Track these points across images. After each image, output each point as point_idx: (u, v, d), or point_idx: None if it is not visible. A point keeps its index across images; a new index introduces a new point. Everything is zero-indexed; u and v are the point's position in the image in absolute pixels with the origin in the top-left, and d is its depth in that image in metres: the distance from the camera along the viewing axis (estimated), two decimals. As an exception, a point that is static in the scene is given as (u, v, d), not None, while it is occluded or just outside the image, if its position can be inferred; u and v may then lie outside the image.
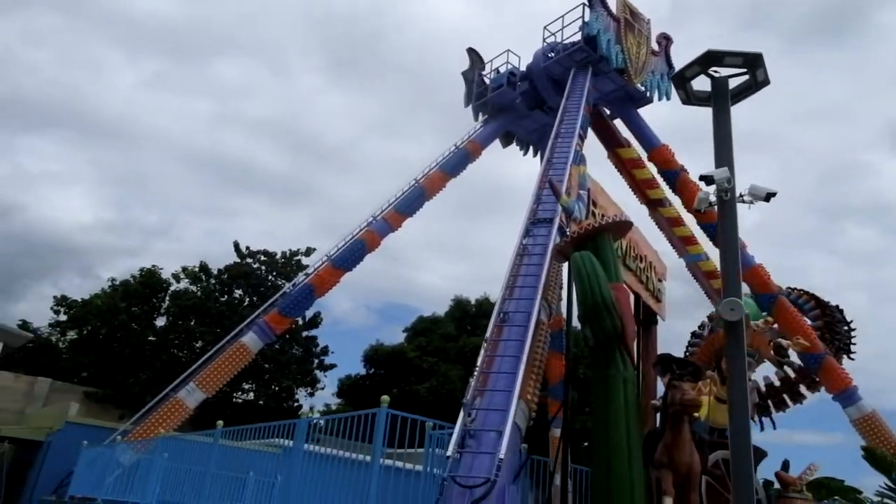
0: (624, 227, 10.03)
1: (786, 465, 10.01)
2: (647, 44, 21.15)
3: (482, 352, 9.14)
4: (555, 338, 15.49)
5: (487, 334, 9.40)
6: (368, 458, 8.30)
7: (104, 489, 14.43)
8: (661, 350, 12.65)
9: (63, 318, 30.06)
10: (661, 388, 10.22)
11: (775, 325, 11.02)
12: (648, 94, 20.65)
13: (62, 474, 18.41)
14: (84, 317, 29.32)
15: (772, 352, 10.45)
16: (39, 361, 29.47)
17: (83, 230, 66.26)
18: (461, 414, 8.05)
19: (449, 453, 7.53)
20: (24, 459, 21.50)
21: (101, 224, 69.02)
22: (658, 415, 9.96)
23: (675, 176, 18.80)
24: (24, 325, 30.91)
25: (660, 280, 12.90)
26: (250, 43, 79.03)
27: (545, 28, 20.90)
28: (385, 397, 8.81)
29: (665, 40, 22.20)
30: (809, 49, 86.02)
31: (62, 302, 30.19)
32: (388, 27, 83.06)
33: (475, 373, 8.71)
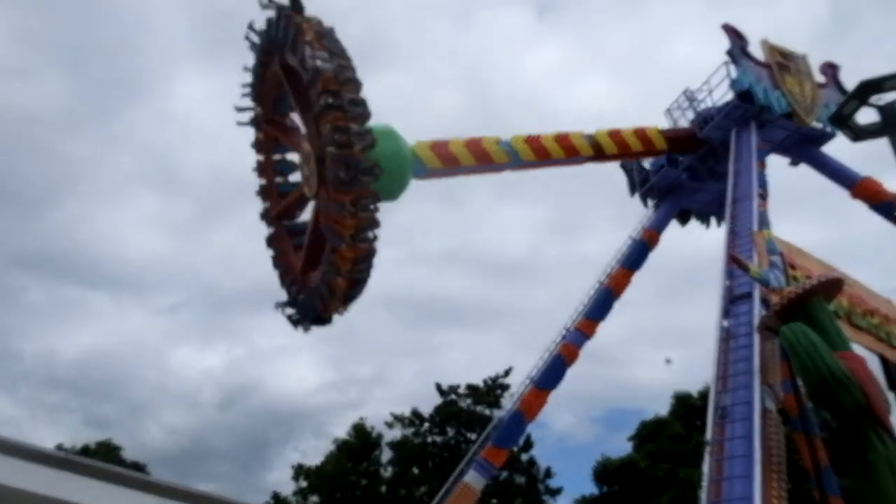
0: (834, 285, 8.81)
1: None
2: (811, 79, 19.63)
3: (706, 456, 8.28)
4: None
5: (707, 436, 8.53)
6: None
7: None
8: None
9: (304, 484, 32.59)
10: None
11: None
12: (828, 129, 18.86)
13: None
14: (320, 484, 31.55)
15: None
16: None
17: (311, 394, 72.39)
18: (699, 534, 7.21)
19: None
20: None
21: (325, 384, 75.04)
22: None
23: (890, 209, 16.53)
24: (275, 496, 34.05)
25: (904, 332, 10.96)
26: (418, 184, 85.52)
27: (690, 98, 20.26)
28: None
29: (830, 69, 20.49)
30: None
31: (299, 471, 32.95)
32: (537, 130, 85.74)
33: (703, 483, 7.85)
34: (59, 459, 9.25)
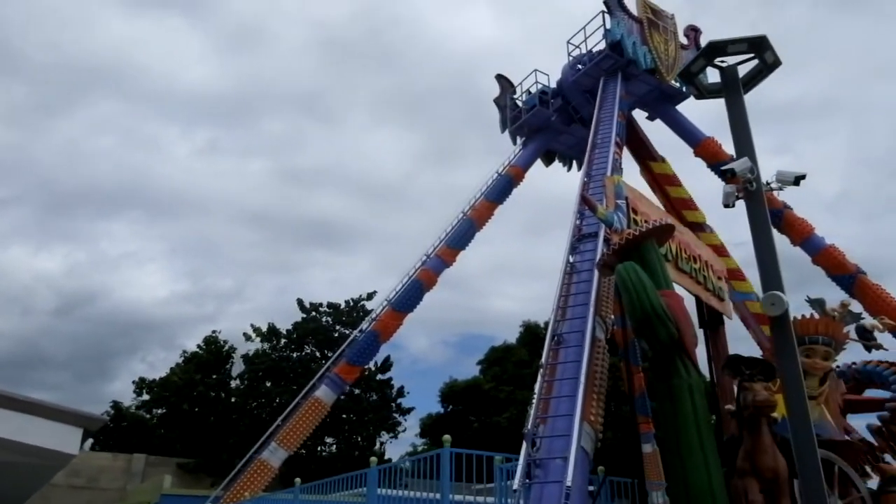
0: (666, 230, 9.73)
1: None
2: (675, 39, 20.81)
3: (539, 378, 9.03)
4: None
5: (543, 359, 9.29)
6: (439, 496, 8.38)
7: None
8: (733, 350, 12.09)
9: (146, 397, 31.50)
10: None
11: (851, 308, 10.35)
12: (684, 89, 20.21)
13: (165, 546, 19.08)
14: (165, 395, 30.68)
15: (854, 336, 9.81)
16: (133, 440, 30.96)
17: (162, 304, 69.51)
18: (524, 444, 7.94)
19: (515, 486, 7.43)
20: (129, 536, 22.46)
21: (178, 296, 72.26)
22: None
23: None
24: (116, 405, 32.68)
25: (719, 278, 12.38)
26: (293, 96, 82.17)
27: (568, 42, 20.89)
28: (447, 437, 8.80)
29: (693, 32, 21.79)
30: None
31: (142, 384, 31.78)
32: (421, 57, 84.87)
33: (533, 400, 8.60)
34: None
